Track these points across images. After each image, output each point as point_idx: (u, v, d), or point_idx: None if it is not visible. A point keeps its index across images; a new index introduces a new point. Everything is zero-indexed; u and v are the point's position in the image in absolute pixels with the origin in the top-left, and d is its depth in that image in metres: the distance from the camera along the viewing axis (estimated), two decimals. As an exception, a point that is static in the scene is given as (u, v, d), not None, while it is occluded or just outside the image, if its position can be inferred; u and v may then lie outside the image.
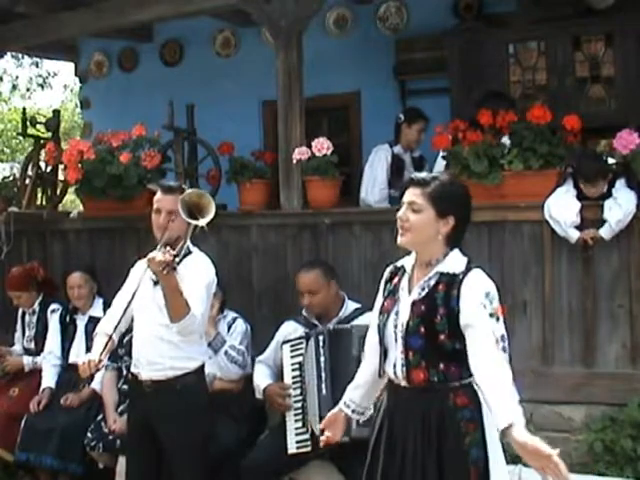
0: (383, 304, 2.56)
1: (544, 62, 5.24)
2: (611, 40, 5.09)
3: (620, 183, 3.93)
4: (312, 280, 3.87)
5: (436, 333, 2.39)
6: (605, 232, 3.88)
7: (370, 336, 2.65)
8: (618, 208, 3.85)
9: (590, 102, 5.17)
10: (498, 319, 2.36)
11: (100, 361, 3.18)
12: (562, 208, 3.95)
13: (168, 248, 3.09)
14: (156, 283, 3.27)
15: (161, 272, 3.03)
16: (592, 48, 5.16)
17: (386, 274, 2.64)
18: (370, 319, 2.68)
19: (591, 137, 5.15)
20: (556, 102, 4.78)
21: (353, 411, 2.69)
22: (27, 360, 4.77)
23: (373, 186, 5.04)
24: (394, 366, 2.48)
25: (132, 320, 3.45)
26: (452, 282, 2.41)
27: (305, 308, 3.93)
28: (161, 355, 3.32)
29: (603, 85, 5.18)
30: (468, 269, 2.43)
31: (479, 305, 2.36)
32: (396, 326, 2.47)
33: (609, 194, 3.93)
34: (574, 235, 3.93)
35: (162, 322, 3.28)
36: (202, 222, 3.20)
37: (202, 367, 3.46)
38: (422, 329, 2.40)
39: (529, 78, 5.32)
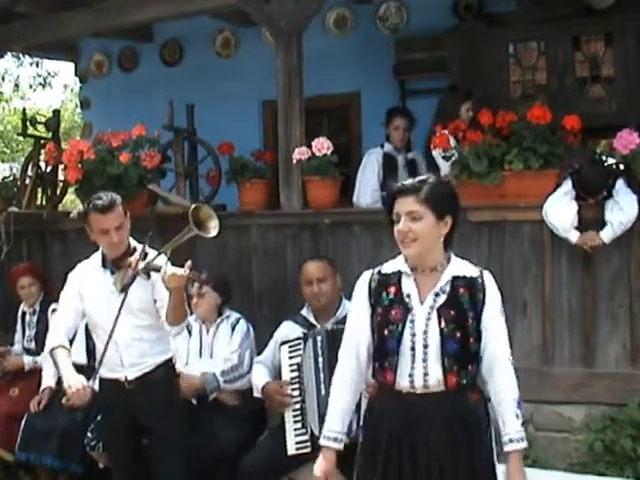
0: (390, 313, 2.48)
1: (544, 62, 5.25)
2: (611, 40, 5.09)
3: (620, 183, 3.91)
4: (321, 268, 3.91)
5: (468, 337, 2.43)
6: (606, 235, 3.87)
7: (349, 355, 2.58)
8: (620, 211, 3.84)
9: (590, 102, 5.17)
10: (506, 322, 2.52)
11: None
12: (558, 214, 3.94)
13: (189, 263, 3.15)
14: (122, 290, 3.29)
15: (182, 286, 3.15)
16: (592, 48, 5.17)
17: (368, 283, 2.58)
18: (352, 335, 2.60)
19: (591, 137, 5.15)
20: (556, 102, 4.78)
21: (341, 441, 2.59)
22: (27, 360, 4.76)
23: (365, 189, 5.03)
24: (410, 376, 2.44)
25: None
26: (473, 285, 2.47)
27: (311, 298, 3.89)
28: (144, 355, 3.46)
29: (603, 85, 5.18)
30: (481, 272, 2.51)
31: (499, 311, 2.49)
32: (414, 335, 2.44)
33: (609, 194, 3.92)
34: (574, 238, 3.93)
35: (140, 324, 3.43)
36: (212, 234, 3.25)
37: (172, 358, 3.65)
38: (458, 334, 2.42)
39: (529, 78, 5.32)
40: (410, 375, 2.44)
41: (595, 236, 3.89)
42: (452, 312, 2.43)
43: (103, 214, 3.33)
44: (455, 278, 2.47)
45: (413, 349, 2.44)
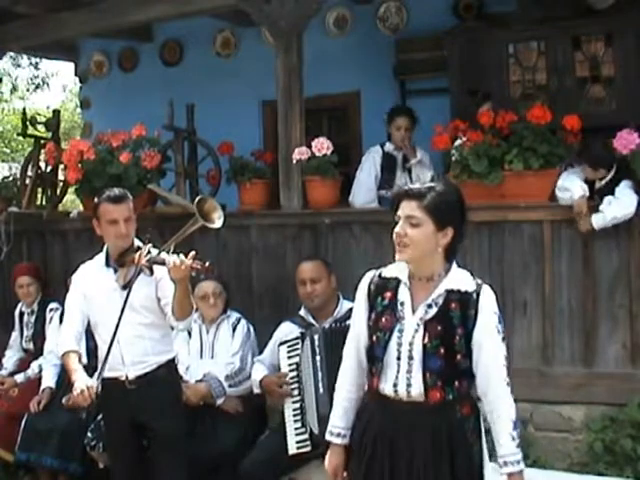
0: (380, 320, 2.47)
1: (544, 62, 5.23)
2: (611, 40, 5.08)
3: (625, 184, 3.92)
4: (314, 268, 3.93)
5: (454, 353, 2.37)
6: (596, 221, 3.88)
7: (351, 353, 2.58)
8: (617, 205, 3.86)
9: (590, 102, 5.16)
10: (504, 341, 2.41)
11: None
12: (570, 180, 3.98)
13: (193, 254, 3.15)
14: (124, 287, 3.31)
15: (187, 277, 3.15)
16: (592, 48, 5.16)
17: (368, 284, 2.57)
18: (353, 333, 2.60)
19: (591, 137, 5.14)
20: (556, 102, 4.77)
21: (344, 436, 2.60)
22: (19, 377, 4.76)
23: (360, 188, 5.01)
24: (395, 385, 2.42)
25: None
26: (467, 301, 2.39)
27: (305, 299, 3.92)
28: (146, 353, 3.45)
29: (603, 85, 5.17)
30: (479, 286, 2.43)
31: (494, 329, 2.39)
32: (400, 344, 2.41)
33: (612, 193, 3.92)
34: (577, 194, 3.91)
35: (142, 322, 3.42)
36: (217, 224, 3.28)
37: (174, 358, 3.63)
38: (442, 350, 2.36)
39: (529, 78, 5.31)
40: (394, 385, 2.42)
41: (587, 213, 3.88)
42: (439, 327, 2.37)
43: (114, 204, 3.40)
44: (449, 292, 2.40)
45: (399, 359, 2.41)
